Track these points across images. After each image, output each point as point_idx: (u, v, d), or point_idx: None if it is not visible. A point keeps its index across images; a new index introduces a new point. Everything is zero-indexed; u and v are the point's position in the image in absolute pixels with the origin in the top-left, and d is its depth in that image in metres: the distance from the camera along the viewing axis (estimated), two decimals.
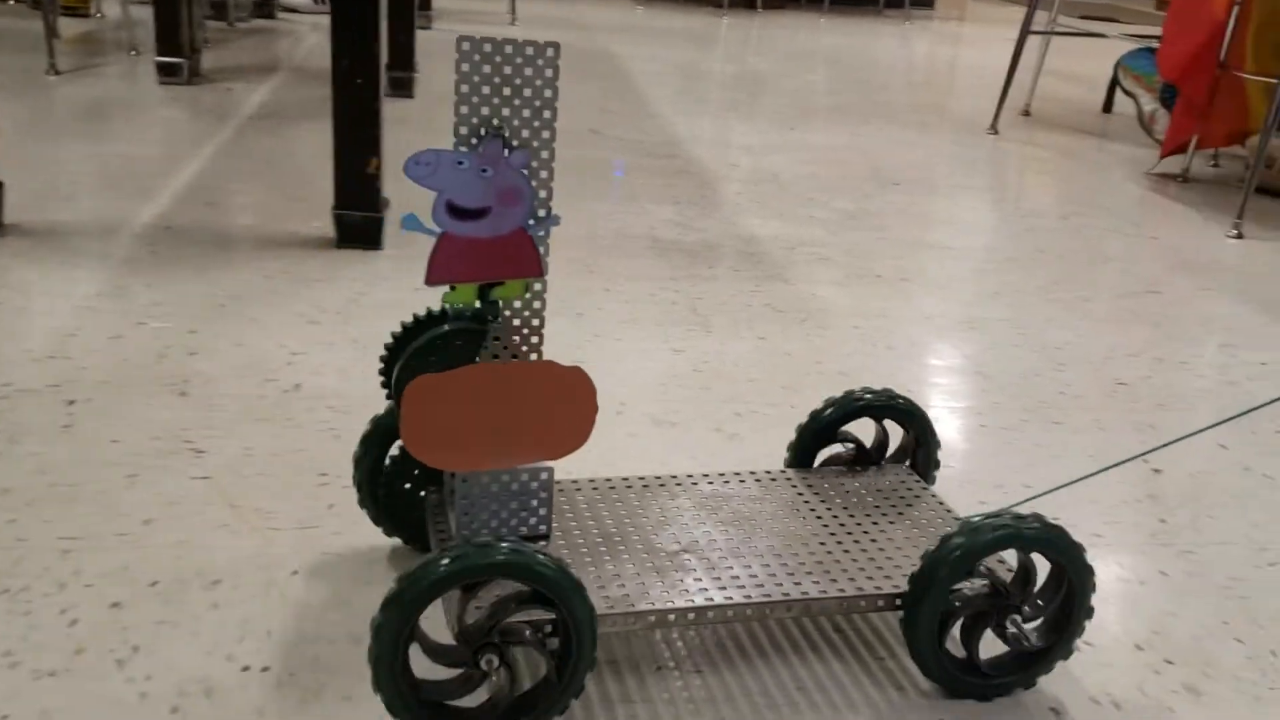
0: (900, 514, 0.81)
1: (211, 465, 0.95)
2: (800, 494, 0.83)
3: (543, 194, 0.67)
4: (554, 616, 0.65)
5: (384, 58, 1.47)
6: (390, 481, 0.81)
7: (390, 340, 0.72)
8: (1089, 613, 0.73)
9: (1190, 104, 2.27)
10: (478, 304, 0.69)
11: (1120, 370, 1.34)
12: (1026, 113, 3.05)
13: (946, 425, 1.15)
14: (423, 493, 0.82)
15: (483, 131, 0.65)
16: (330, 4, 1.43)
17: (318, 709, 0.69)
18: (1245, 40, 2.23)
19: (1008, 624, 0.72)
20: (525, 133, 0.66)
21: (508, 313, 0.70)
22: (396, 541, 0.86)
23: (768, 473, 0.86)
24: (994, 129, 2.78)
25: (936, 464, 0.90)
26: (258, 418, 1.04)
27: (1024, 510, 0.73)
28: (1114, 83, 3.08)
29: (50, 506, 0.87)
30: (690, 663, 0.76)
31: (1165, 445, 1.14)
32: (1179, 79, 2.28)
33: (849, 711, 0.73)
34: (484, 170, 0.64)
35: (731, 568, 0.73)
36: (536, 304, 0.70)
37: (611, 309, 1.39)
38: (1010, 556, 0.74)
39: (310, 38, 3.30)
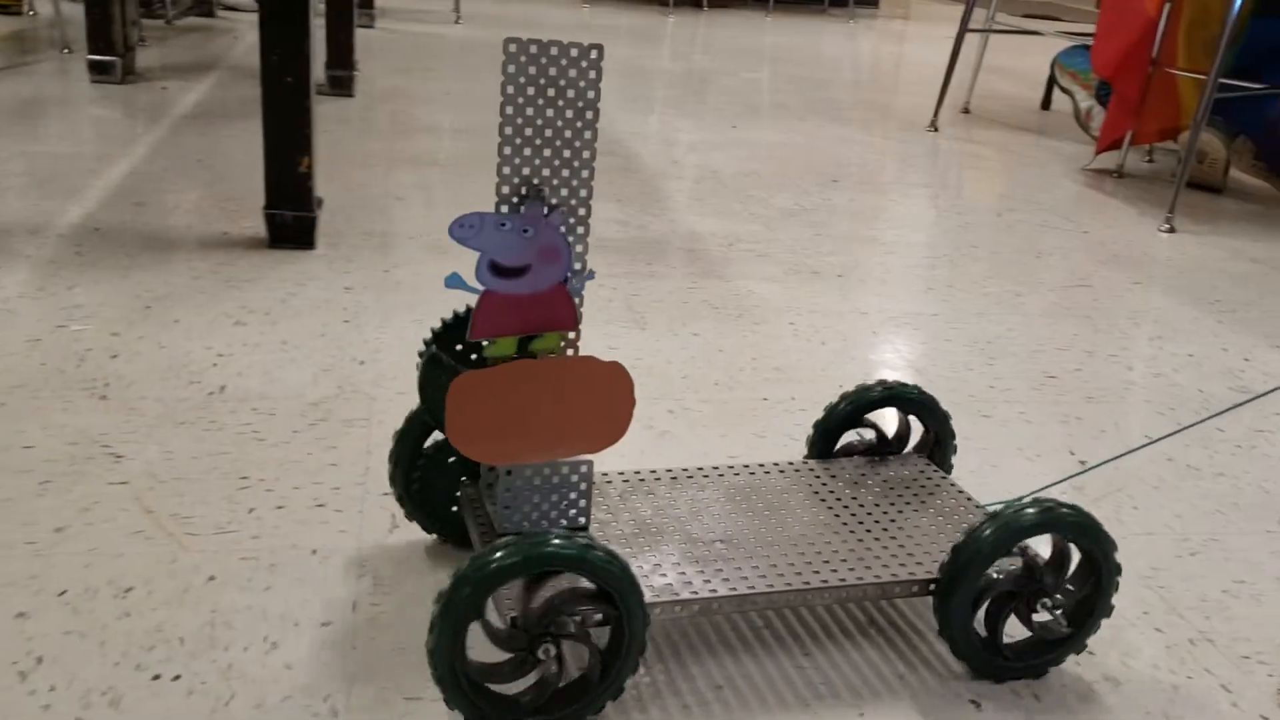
0: (923, 502, 0.84)
1: (129, 470, 0.93)
2: (825, 484, 0.86)
3: (580, 230, 0.69)
4: (607, 607, 0.67)
5: (323, 56, 1.45)
6: (425, 476, 0.83)
7: (429, 337, 0.76)
8: (1116, 585, 0.76)
9: (1124, 101, 2.30)
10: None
11: (1050, 363, 1.35)
12: (966, 110, 3.08)
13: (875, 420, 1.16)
14: (457, 492, 0.83)
15: (524, 192, 0.67)
16: (260, 1, 1.41)
17: (226, 719, 0.68)
18: (1177, 38, 2.27)
19: (1039, 606, 0.75)
20: (568, 133, 0.67)
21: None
22: (320, 546, 0.85)
23: (790, 464, 0.89)
24: (934, 126, 2.80)
25: (954, 450, 0.93)
26: (179, 421, 1.03)
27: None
28: (1051, 80, 3.11)
29: None
30: (725, 649, 0.78)
31: (1173, 433, 1.15)
32: (1112, 76, 2.31)
33: (887, 694, 0.75)
34: (525, 230, 0.67)
35: (768, 556, 0.76)
36: (570, 352, 0.73)
37: None
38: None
39: (250, 35, 3.26)
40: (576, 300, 0.70)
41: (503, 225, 0.66)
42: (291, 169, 1.47)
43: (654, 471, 0.86)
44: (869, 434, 0.92)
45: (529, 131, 0.66)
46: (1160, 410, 1.24)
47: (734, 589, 0.72)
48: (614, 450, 1.03)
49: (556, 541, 0.65)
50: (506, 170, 0.66)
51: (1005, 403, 1.23)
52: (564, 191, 0.68)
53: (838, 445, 0.92)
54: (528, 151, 0.67)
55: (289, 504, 0.91)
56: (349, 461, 0.98)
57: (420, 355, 0.77)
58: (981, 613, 0.75)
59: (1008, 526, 0.72)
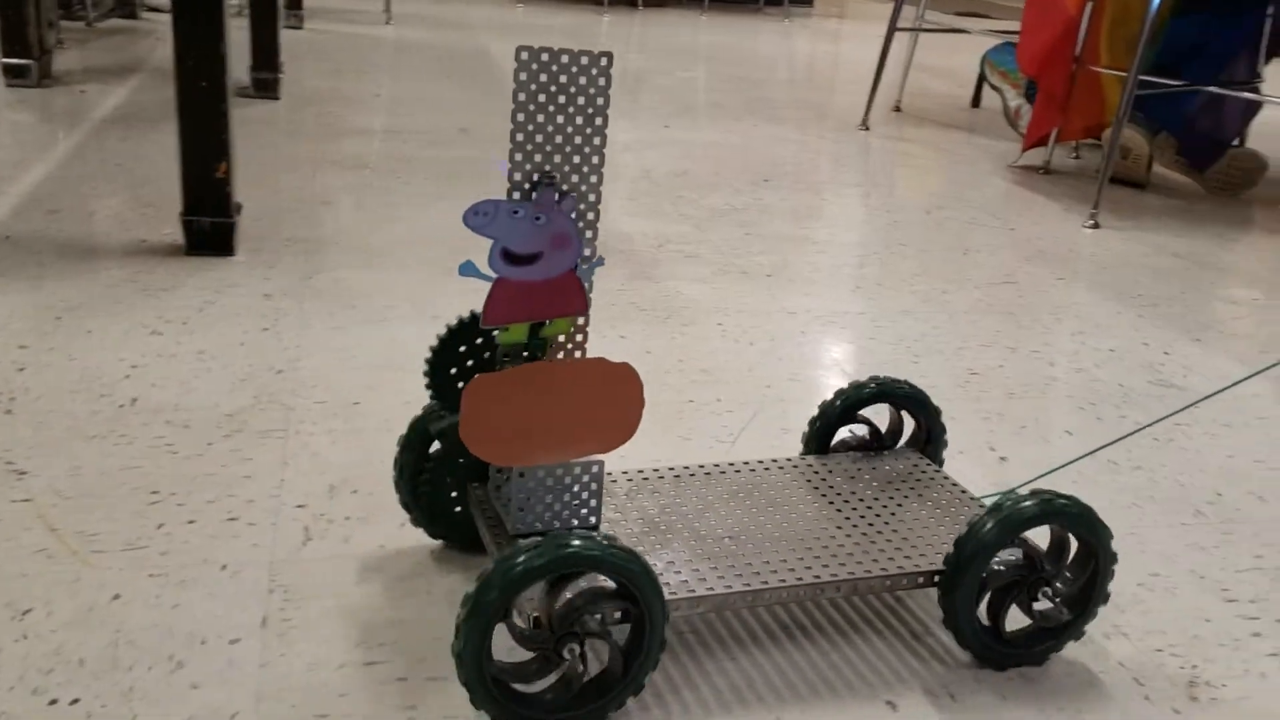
0: (920, 495, 0.87)
1: (33, 487, 0.91)
2: (824, 479, 0.88)
3: (590, 216, 0.70)
4: (628, 605, 0.69)
5: (247, 58, 1.42)
6: (432, 482, 0.84)
7: (438, 341, 0.78)
8: (1113, 572, 0.78)
9: (1049, 98, 2.33)
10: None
11: (973, 360, 1.36)
12: (898, 108, 3.10)
13: (800, 419, 1.16)
14: (463, 493, 0.84)
15: (536, 179, 0.68)
16: (172, 3, 1.38)
17: None
18: (1100, 36, 2.30)
19: (1040, 595, 0.77)
20: (578, 139, 0.68)
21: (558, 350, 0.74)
22: (230, 561, 0.83)
23: (789, 459, 0.91)
24: (865, 125, 2.82)
25: (945, 443, 0.95)
26: (88, 435, 1.00)
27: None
28: (981, 78, 3.15)
29: None
30: (739, 645, 0.79)
31: (1166, 418, 1.16)
32: (1037, 74, 2.34)
33: (899, 685, 0.76)
34: (538, 218, 0.68)
35: (777, 551, 0.78)
36: (579, 338, 0.74)
37: (468, 310, 1.37)
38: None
39: None
40: (586, 286, 0.71)
41: (515, 213, 0.67)
42: (209, 175, 1.45)
43: (656, 470, 0.87)
44: (860, 430, 0.94)
45: (539, 138, 0.67)
46: (1080, 405, 1.25)
47: (748, 585, 0.74)
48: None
49: (578, 543, 0.66)
50: (519, 157, 0.67)
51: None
52: (574, 178, 0.69)
53: (832, 441, 0.94)
54: (538, 158, 0.68)
55: (200, 518, 0.88)
56: (264, 474, 0.96)
57: (427, 362, 0.79)
58: (985, 602, 0.77)
59: (1009, 518, 0.75)
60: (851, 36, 5.07)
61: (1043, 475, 1.07)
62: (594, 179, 0.69)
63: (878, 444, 0.94)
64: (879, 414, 0.95)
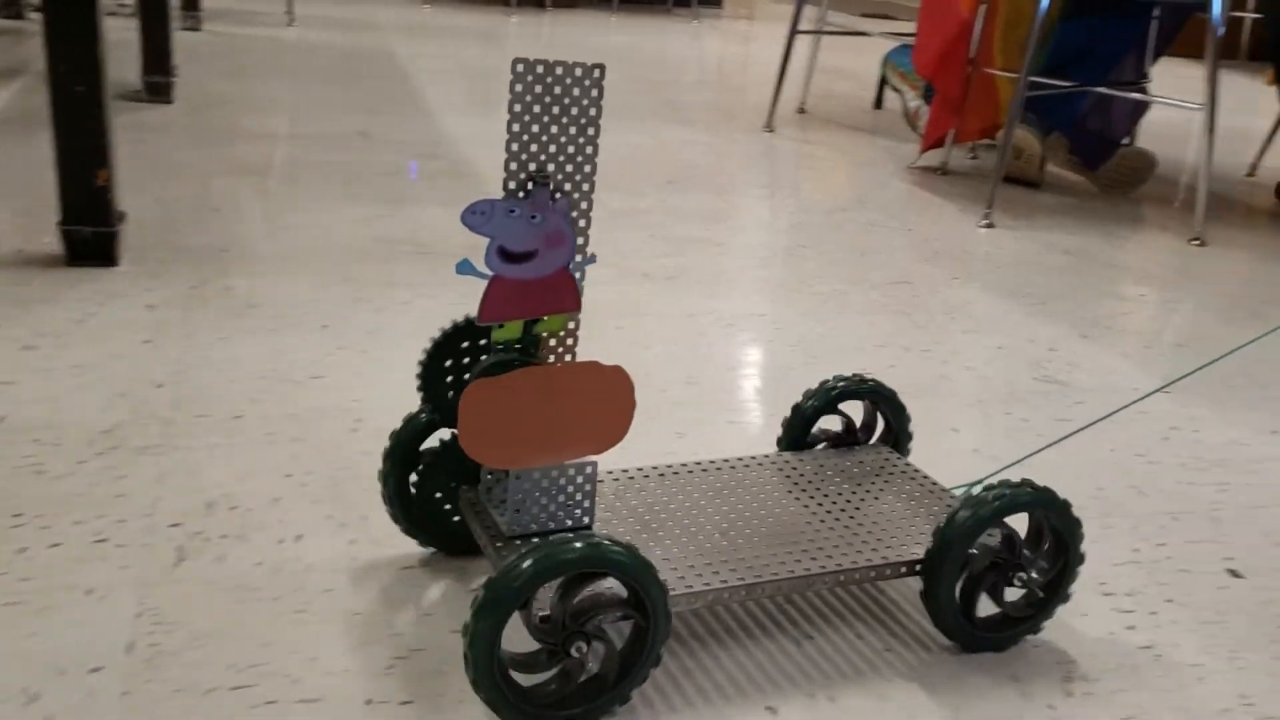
0: (894, 488, 0.90)
1: None
2: (803, 474, 0.91)
3: (581, 224, 0.72)
4: (632, 610, 0.71)
5: (138, 61, 1.38)
6: (421, 491, 0.85)
7: (431, 345, 0.80)
8: (1080, 559, 0.82)
9: (945, 100, 2.37)
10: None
11: (867, 360, 1.37)
12: (802, 110, 3.13)
13: (694, 423, 1.16)
14: (447, 499, 0.86)
15: (532, 180, 0.70)
16: (43, 5, 1.34)
17: None
18: (993, 38, 2.34)
19: (1016, 579, 0.80)
20: (571, 148, 0.70)
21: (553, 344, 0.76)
22: (97, 585, 0.80)
23: (767, 456, 0.94)
24: (769, 127, 2.84)
25: (910, 436, 0.99)
26: None
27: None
28: (882, 80, 3.19)
29: None
30: (730, 637, 0.82)
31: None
32: (933, 76, 2.37)
33: (887, 669, 0.79)
34: (534, 217, 0.70)
35: (766, 545, 0.81)
36: (570, 340, 0.76)
37: (361, 319, 1.35)
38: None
39: None
40: (579, 282, 0.73)
41: (512, 212, 0.69)
42: (89, 182, 1.40)
43: (640, 469, 0.89)
44: (832, 427, 0.98)
45: (534, 147, 0.69)
46: (967, 403, 1.27)
47: (742, 579, 0.76)
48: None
49: (578, 545, 0.68)
50: (514, 166, 0.69)
51: None
52: (567, 186, 0.71)
53: (807, 439, 0.98)
54: (532, 166, 0.69)
55: (66, 541, 0.85)
56: (138, 492, 0.93)
57: (421, 364, 0.81)
58: (963, 588, 0.80)
59: (986, 508, 0.78)
60: (760, 38, 5.11)
61: (1008, 466, 1.08)
62: (586, 186, 0.72)
63: (849, 440, 0.97)
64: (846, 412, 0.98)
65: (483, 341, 0.82)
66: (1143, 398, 1.33)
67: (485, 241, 0.68)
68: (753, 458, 0.93)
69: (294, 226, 1.68)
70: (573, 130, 0.70)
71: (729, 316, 1.49)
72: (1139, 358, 1.46)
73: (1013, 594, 0.82)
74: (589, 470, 0.76)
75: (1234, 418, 1.29)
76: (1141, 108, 2.45)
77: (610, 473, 0.88)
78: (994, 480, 0.80)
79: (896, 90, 2.95)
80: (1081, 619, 0.88)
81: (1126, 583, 0.94)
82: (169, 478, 0.96)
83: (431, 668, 0.76)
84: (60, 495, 0.92)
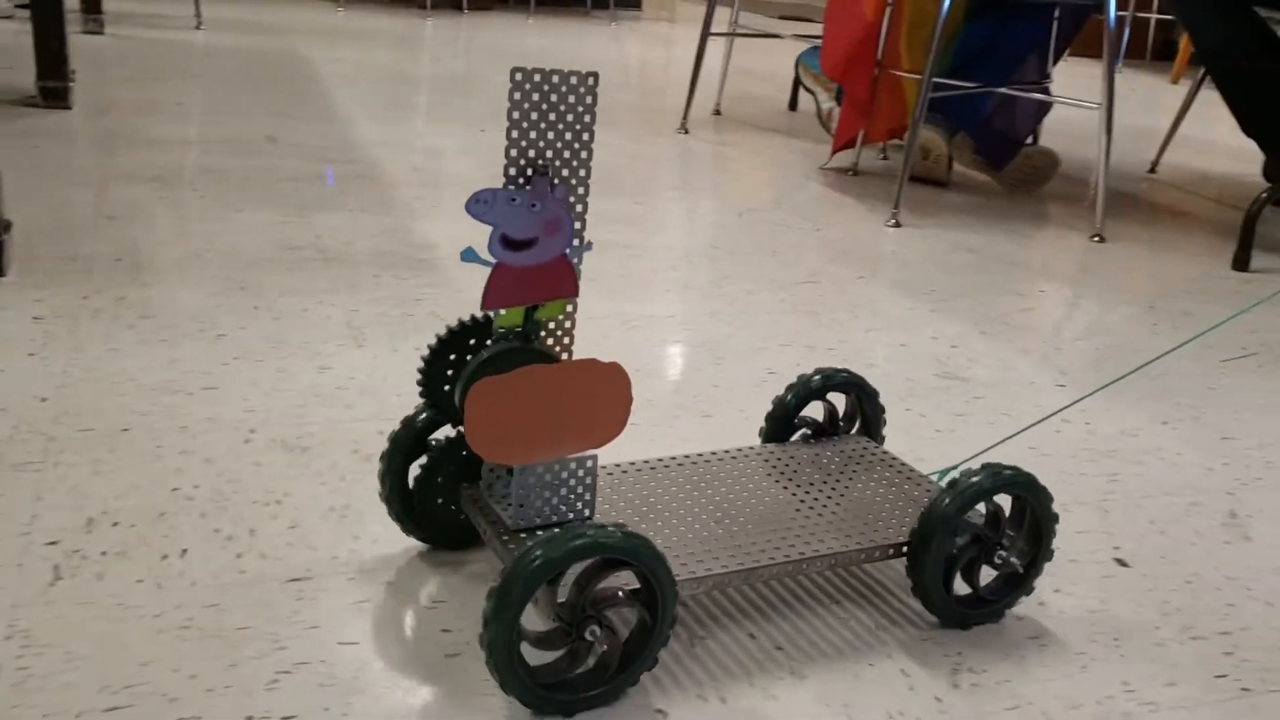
0: (873, 475, 0.94)
1: None
2: (788, 465, 0.95)
3: (579, 209, 0.76)
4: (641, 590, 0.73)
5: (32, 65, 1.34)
6: (422, 490, 0.87)
7: (434, 345, 0.82)
8: (1055, 531, 0.87)
9: (854, 101, 2.39)
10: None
11: (772, 360, 1.38)
12: (717, 112, 3.14)
13: None
14: (448, 497, 0.88)
15: (531, 169, 0.73)
16: None
17: None
18: (899, 40, 2.37)
19: (996, 557, 0.85)
20: (567, 153, 0.74)
21: (553, 326, 0.80)
22: None
23: (753, 448, 0.97)
24: (684, 129, 2.84)
25: (884, 423, 1.04)
26: None
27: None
28: (796, 81, 3.22)
29: None
30: (728, 621, 0.85)
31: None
32: (841, 78, 2.40)
33: (775, 668, 0.80)
34: (533, 205, 0.73)
35: (761, 532, 0.84)
36: (568, 323, 0.80)
37: (258, 327, 1.32)
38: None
39: None
40: (577, 268, 0.76)
41: (513, 200, 0.72)
42: None
43: (633, 463, 0.93)
44: (810, 417, 1.01)
45: (532, 153, 0.73)
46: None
47: (741, 564, 0.79)
48: (314, 478, 0.99)
49: (591, 532, 0.70)
50: (512, 171, 0.73)
51: (727, 401, 1.25)
52: (564, 172, 0.75)
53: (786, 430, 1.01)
54: (530, 172, 0.73)
55: None
56: (14, 510, 0.90)
57: (424, 360, 0.83)
58: (949, 568, 0.84)
59: (967, 491, 0.82)
60: (680, 40, 5.12)
61: (976, 455, 1.09)
62: (581, 190, 0.75)
63: (829, 430, 1.01)
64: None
65: (488, 341, 0.83)
66: (1081, 398, 1.35)
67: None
68: (739, 450, 0.97)
69: (193, 234, 1.65)
70: (568, 135, 0.73)
71: (636, 319, 1.48)
72: (1037, 353, 1.49)
73: (991, 572, 0.87)
74: (589, 464, 0.79)
75: (1125, 409, 1.32)
76: (1044, 108, 2.50)
77: (604, 467, 0.91)
78: (979, 464, 0.85)
79: (810, 92, 2.98)
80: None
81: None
82: (48, 495, 0.93)
83: (316, 681, 0.75)
84: None
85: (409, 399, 1.18)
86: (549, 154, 0.73)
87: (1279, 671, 0.85)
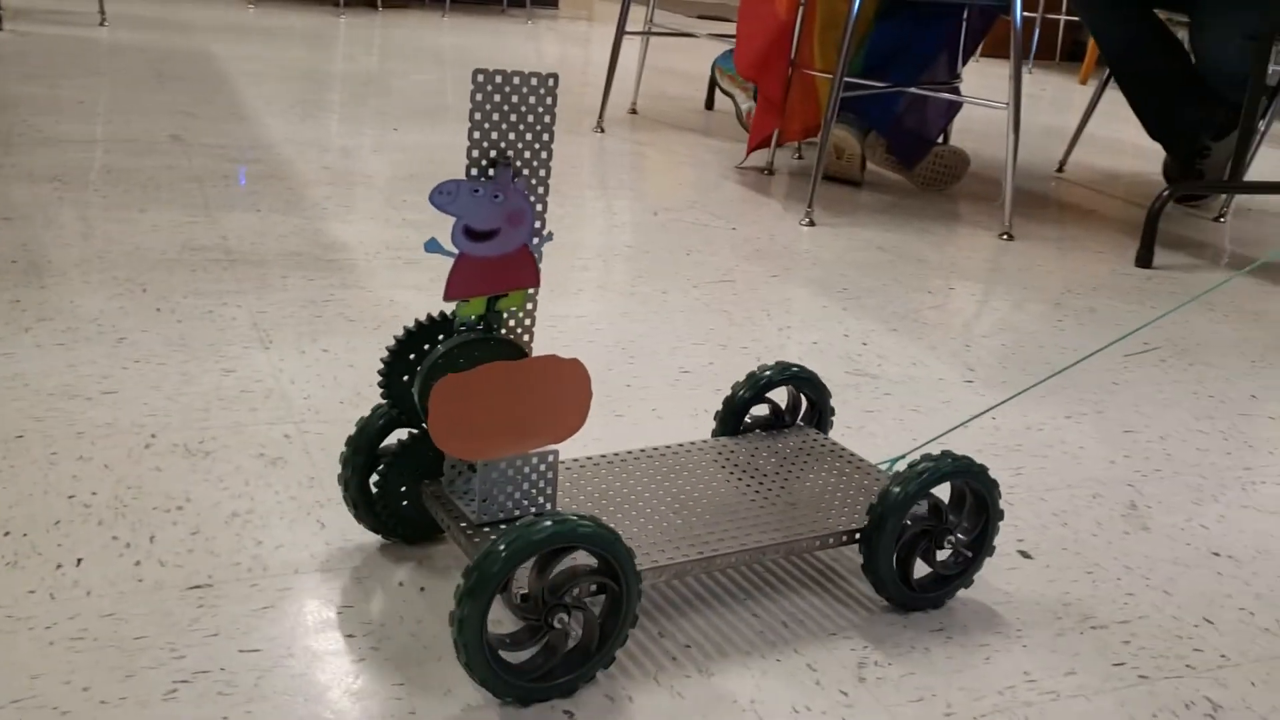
0: (824, 465, 0.97)
1: None
2: (741, 456, 0.97)
3: (539, 208, 0.77)
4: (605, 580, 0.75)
5: None
6: (384, 487, 0.87)
7: (393, 345, 0.83)
8: (1002, 514, 0.91)
9: (768, 101, 2.41)
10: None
11: (685, 359, 1.39)
12: (634, 110, 3.15)
13: None
14: (409, 496, 0.88)
15: (493, 161, 0.74)
16: None
17: None
18: (812, 40, 2.40)
19: (945, 543, 0.88)
20: (527, 154, 0.76)
21: (509, 320, 0.80)
22: None
23: (706, 442, 1.00)
24: (600, 128, 2.84)
25: (833, 411, 1.08)
26: None
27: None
28: (712, 83, 3.24)
29: None
30: (683, 609, 0.88)
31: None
32: (755, 78, 2.41)
33: (787, 642, 0.83)
34: (496, 196, 0.74)
35: (718, 522, 0.86)
36: (529, 305, 0.80)
37: (160, 330, 1.29)
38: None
39: None
40: (538, 260, 0.78)
41: (475, 191, 0.74)
42: None
43: (590, 457, 0.94)
44: (760, 410, 1.04)
45: (493, 153, 0.74)
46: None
47: (700, 553, 0.82)
48: (217, 484, 0.97)
49: (548, 523, 0.71)
50: (474, 172, 0.75)
51: (640, 400, 1.25)
52: (524, 172, 0.76)
53: (741, 423, 1.04)
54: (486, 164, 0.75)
55: None
56: None
57: (383, 362, 0.83)
58: (900, 553, 0.87)
59: (917, 479, 0.85)
60: (597, 39, 5.12)
61: (932, 440, 1.09)
62: (541, 189, 0.77)
63: (778, 423, 1.04)
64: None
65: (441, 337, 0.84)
66: (1013, 397, 1.37)
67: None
68: (693, 443, 0.99)
69: (94, 235, 1.61)
70: (529, 135, 0.75)
71: (549, 319, 1.48)
72: (946, 349, 1.51)
73: (941, 555, 0.90)
74: (550, 459, 0.81)
75: (1030, 404, 1.35)
76: (954, 107, 2.54)
77: (562, 462, 0.92)
78: (923, 454, 0.88)
79: (729, 95, 2.99)
80: (875, 605, 0.90)
81: (921, 568, 0.96)
82: None
83: (215, 690, 0.73)
84: None
85: (317, 401, 1.16)
86: (510, 153, 0.75)
87: (1175, 659, 0.87)
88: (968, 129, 3.15)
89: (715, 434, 1.04)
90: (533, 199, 0.77)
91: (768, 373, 1.02)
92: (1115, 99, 2.80)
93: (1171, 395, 1.43)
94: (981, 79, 4.51)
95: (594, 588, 0.75)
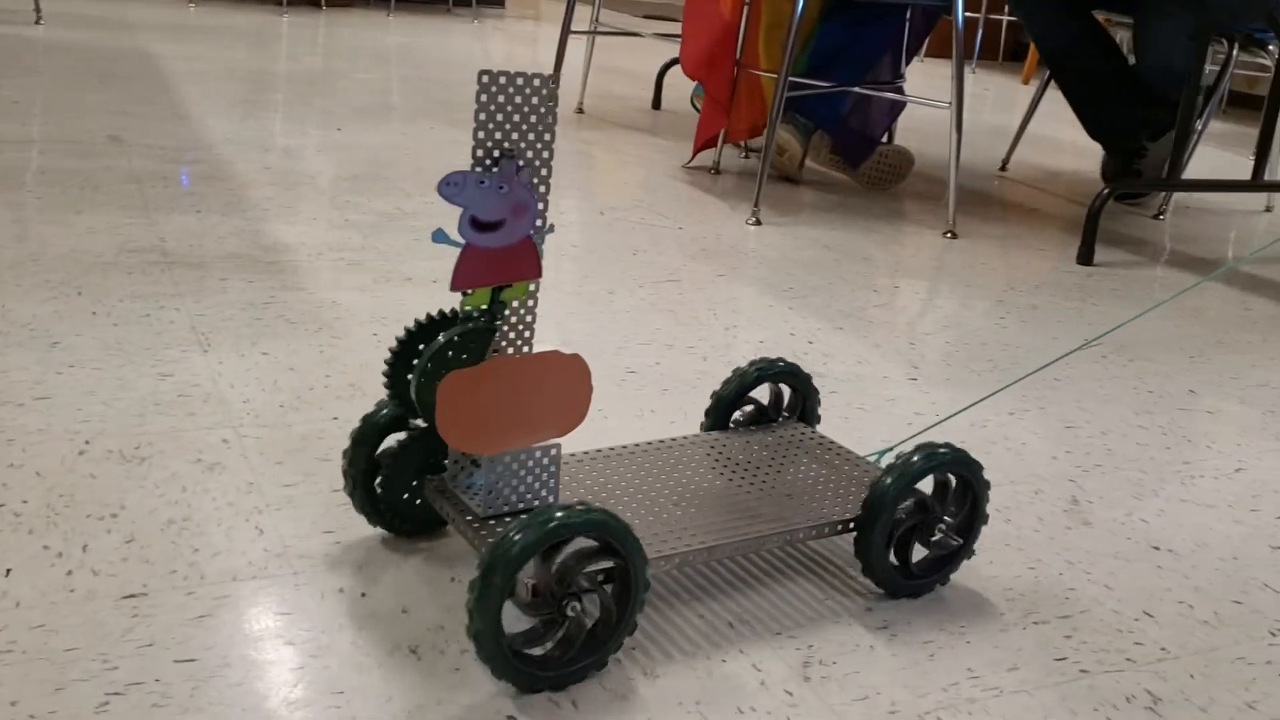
0: (814, 457, 1.00)
1: None
2: (734, 450, 1.00)
3: (540, 206, 0.79)
4: (612, 566, 0.76)
5: None
6: (388, 480, 0.89)
7: (395, 345, 0.84)
8: (985, 518, 0.94)
9: (714, 101, 2.42)
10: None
11: (631, 359, 1.38)
12: (580, 110, 3.14)
13: None
14: (413, 490, 0.90)
15: (498, 153, 0.76)
16: None
17: None
18: (757, 39, 2.40)
19: (935, 532, 0.90)
20: (529, 153, 0.77)
21: (510, 315, 0.81)
22: None
23: (699, 436, 1.02)
24: None
25: (819, 402, 1.10)
26: None
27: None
28: (660, 82, 3.23)
29: None
30: (685, 596, 0.90)
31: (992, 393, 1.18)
32: (702, 77, 2.42)
33: (732, 642, 0.84)
34: (501, 187, 0.76)
35: (716, 512, 0.89)
36: (530, 303, 0.81)
37: (95, 334, 1.26)
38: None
39: None
40: (540, 252, 0.79)
41: (481, 183, 0.75)
42: None
43: (586, 452, 0.96)
44: (748, 406, 1.06)
45: (496, 153, 0.76)
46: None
47: (703, 542, 0.84)
48: (153, 490, 0.95)
49: (560, 514, 0.72)
50: (479, 169, 0.76)
51: None
52: (528, 170, 0.78)
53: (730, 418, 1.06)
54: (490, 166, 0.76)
55: None
56: None
57: (387, 363, 0.84)
58: (893, 542, 0.90)
59: (908, 470, 0.88)
60: (545, 39, 5.10)
61: (914, 435, 1.09)
62: (543, 187, 0.78)
63: (766, 417, 1.06)
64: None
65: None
66: (983, 400, 1.38)
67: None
68: (685, 437, 1.01)
69: (28, 237, 1.57)
70: (531, 136, 0.77)
71: None
72: (890, 347, 1.52)
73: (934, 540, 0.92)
74: (554, 452, 0.83)
75: (973, 399, 1.36)
76: (898, 107, 2.56)
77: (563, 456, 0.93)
78: (914, 445, 0.90)
79: (696, 109, 2.98)
80: (820, 604, 0.90)
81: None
82: None
83: (150, 702, 0.72)
84: None
85: (256, 405, 1.14)
86: (513, 152, 0.77)
87: (1115, 652, 0.88)
88: (912, 128, 3.17)
89: (706, 428, 1.06)
90: (537, 187, 0.78)
91: (754, 370, 1.04)
92: (1057, 99, 2.84)
93: (1112, 391, 1.45)
94: (925, 79, 4.55)
95: (601, 577, 0.76)
